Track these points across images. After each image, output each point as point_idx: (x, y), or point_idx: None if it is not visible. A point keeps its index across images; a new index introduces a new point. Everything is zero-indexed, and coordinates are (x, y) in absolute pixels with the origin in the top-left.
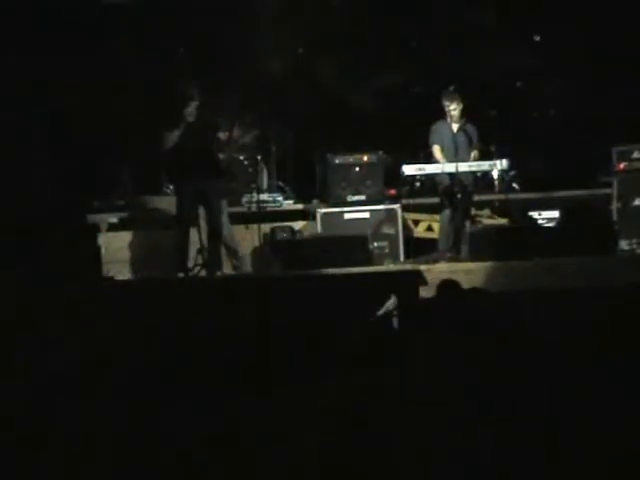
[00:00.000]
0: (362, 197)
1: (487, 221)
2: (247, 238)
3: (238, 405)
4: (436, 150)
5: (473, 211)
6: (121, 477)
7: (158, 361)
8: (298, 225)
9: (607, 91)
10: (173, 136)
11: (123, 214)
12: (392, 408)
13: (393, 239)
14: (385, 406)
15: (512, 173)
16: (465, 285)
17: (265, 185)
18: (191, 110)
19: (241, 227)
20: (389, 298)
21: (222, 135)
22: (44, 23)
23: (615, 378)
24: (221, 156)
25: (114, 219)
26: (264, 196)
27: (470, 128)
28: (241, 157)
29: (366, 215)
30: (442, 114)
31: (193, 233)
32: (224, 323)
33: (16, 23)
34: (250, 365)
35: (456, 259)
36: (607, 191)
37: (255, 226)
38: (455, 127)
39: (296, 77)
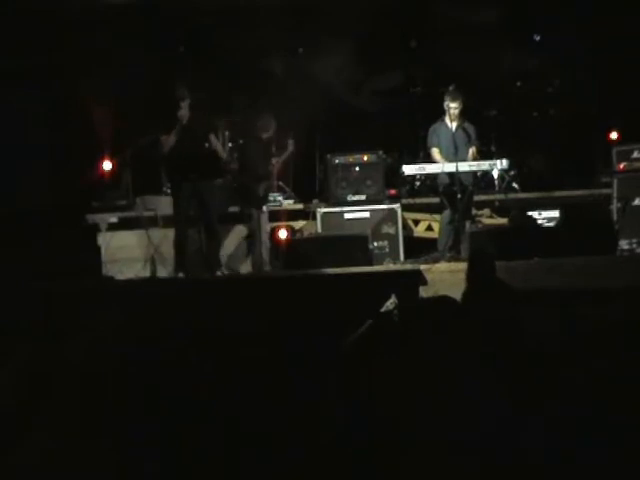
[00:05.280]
0: (362, 197)
1: (487, 221)
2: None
3: (237, 405)
4: (435, 152)
5: (473, 211)
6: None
7: (158, 361)
8: (298, 225)
9: (607, 91)
10: (170, 139)
11: (123, 214)
12: (392, 407)
13: (393, 239)
14: (385, 405)
15: (512, 173)
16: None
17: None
18: (184, 111)
19: (240, 227)
20: (389, 298)
21: (214, 141)
22: (44, 23)
23: (615, 378)
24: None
25: (114, 219)
26: None
27: (469, 126)
28: None
29: (366, 215)
30: (442, 114)
31: (193, 233)
32: (224, 323)
33: (15, 23)
34: (250, 365)
35: (456, 259)
36: (607, 191)
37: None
38: (454, 126)
39: (296, 77)
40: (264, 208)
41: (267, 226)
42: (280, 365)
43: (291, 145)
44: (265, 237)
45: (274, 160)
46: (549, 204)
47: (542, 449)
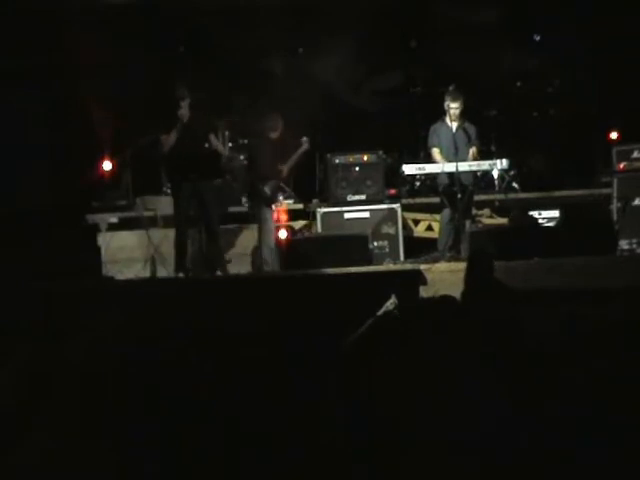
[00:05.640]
0: (362, 197)
1: (487, 221)
2: (247, 238)
3: (237, 405)
4: (435, 153)
5: (473, 211)
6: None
7: (158, 361)
8: (298, 225)
9: (607, 91)
10: (170, 138)
11: (123, 214)
12: (392, 407)
13: (393, 239)
14: (385, 405)
15: (512, 173)
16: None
17: None
18: (184, 110)
19: (241, 227)
20: (389, 298)
21: (214, 140)
22: (44, 23)
23: (615, 378)
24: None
25: (114, 219)
26: None
27: (469, 127)
28: (241, 157)
29: (366, 215)
30: (442, 114)
31: (193, 233)
32: (224, 323)
33: (15, 23)
34: (250, 365)
35: (456, 259)
36: (607, 191)
37: (255, 226)
38: (454, 126)
39: (296, 77)
40: (273, 207)
41: (273, 226)
42: (280, 365)
43: (306, 143)
44: (269, 237)
45: (283, 166)
46: (549, 204)
47: (542, 449)
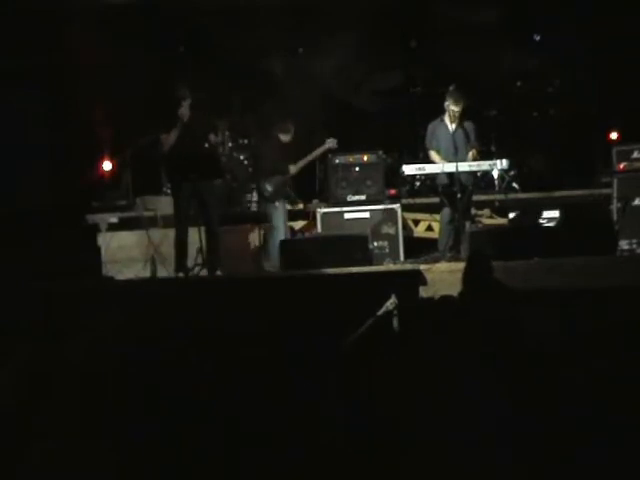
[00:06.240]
0: (362, 197)
1: (487, 221)
2: (247, 238)
3: (237, 405)
4: (433, 155)
5: (473, 211)
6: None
7: (158, 361)
8: (298, 225)
9: (607, 91)
10: (170, 138)
11: (123, 214)
12: (392, 407)
13: (393, 239)
14: (385, 405)
15: (512, 173)
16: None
17: None
18: (184, 110)
19: (241, 227)
20: (389, 298)
21: (213, 138)
22: (44, 23)
23: (615, 378)
24: (223, 159)
25: (114, 219)
26: None
27: (469, 126)
28: (241, 157)
29: (366, 215)
30: (442, 113)
31: (193, 233)
32: (224, 323)
33: (15, 23)
34: (250, 365)
35: (456, 259)
36: (607, 191)
37: (256, 226)
38: (453, 126)
39: (296, 77)
40: (277, 204)
41: (280, 224)
42: (280, 365)
43: (330, 143)
44: (274, 234)
45: (292, 168)
46: (549, 204)
47: (542, 449)
